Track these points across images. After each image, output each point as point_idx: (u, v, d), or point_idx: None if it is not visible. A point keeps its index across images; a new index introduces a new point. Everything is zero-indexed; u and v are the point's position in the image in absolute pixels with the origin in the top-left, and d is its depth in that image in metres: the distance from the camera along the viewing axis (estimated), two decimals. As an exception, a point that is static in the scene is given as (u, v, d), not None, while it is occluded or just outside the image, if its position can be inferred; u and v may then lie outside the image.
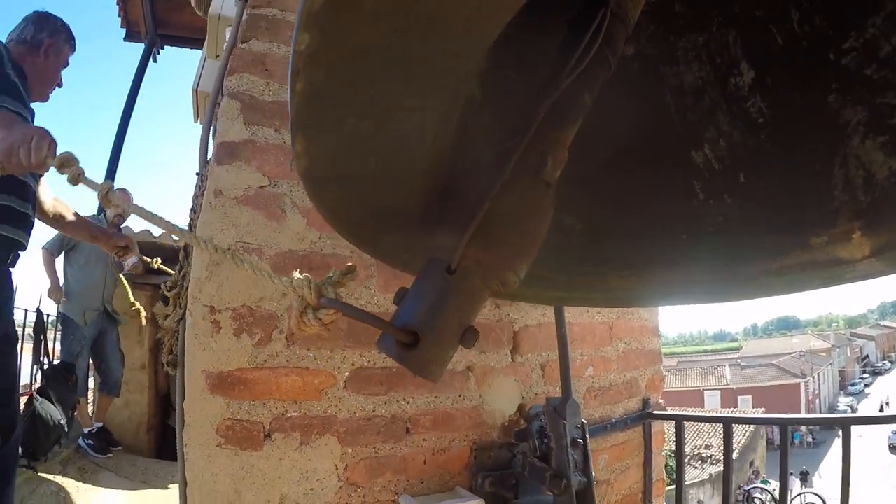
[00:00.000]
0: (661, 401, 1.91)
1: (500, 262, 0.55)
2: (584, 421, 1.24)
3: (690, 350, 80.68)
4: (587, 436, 1.23)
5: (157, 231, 4.01)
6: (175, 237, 0.86)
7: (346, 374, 1.27)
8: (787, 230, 0.87)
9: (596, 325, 1.73)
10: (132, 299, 3.07)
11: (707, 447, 19.36)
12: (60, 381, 3.30)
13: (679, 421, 1.76)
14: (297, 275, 0.59)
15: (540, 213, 0.59)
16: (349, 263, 0.62)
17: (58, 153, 1.16)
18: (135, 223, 5.07)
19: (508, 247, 0.55)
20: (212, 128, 1.48)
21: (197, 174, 1.78)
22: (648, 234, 0.98)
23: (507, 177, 0.53)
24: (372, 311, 1.32)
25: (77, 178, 1.09)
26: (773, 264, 0.89)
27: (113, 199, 1.06)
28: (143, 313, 2.98)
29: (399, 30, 0.35)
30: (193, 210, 1.71)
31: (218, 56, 2.71)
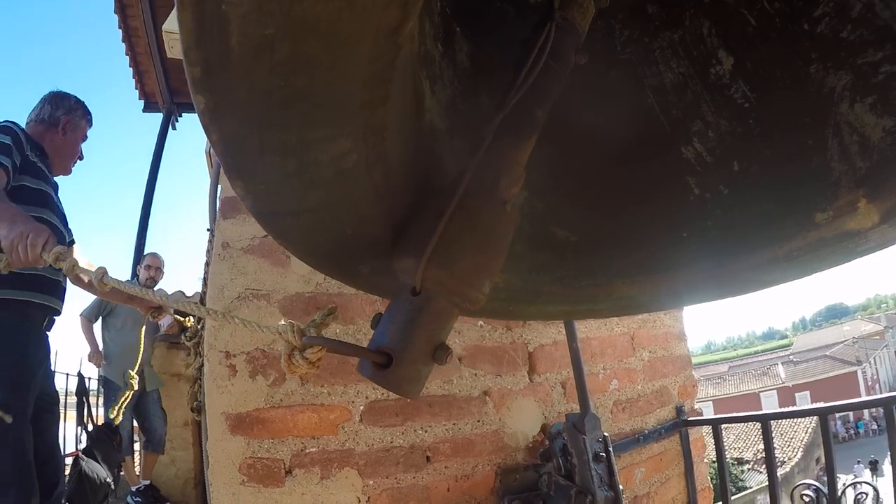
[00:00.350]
0: (696, 407, 1.83)
1: (460, 281, 0.57)
2: (605, 434, 1.20)
3: (741, 353, 77.32)
4: (610, 449, 1.18)
5: (190, 292, 4.14)
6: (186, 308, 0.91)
7: (361, 407, 1.28)
8: (789, 212, 0.84)
9: (616, 336, 1.69)
10: (133, 372, 3.09)
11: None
12: (105, 441, 3.36)
13: (716, 425, 1.69)
14: (282, 322, 0.62)
15: (496, 231, 0.60)
16: (331, 305, 0.63)
17: (57, 244, 1.28)
18: (168, 284, 5.21)
19: (466, 265, 0.57)
20: (219, 185, 1.54)
21: (208, 230, 1.84)
22: (647, 237, 0.95)
23: (459, 198, 0.55)
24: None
25: (72, 269, 1.22)
26: (780, 250, 0.85)
27: (109, 282, 1.13)
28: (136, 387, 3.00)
29: (275, 74, 0.37)
30: (207, 263, 1.76)
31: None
